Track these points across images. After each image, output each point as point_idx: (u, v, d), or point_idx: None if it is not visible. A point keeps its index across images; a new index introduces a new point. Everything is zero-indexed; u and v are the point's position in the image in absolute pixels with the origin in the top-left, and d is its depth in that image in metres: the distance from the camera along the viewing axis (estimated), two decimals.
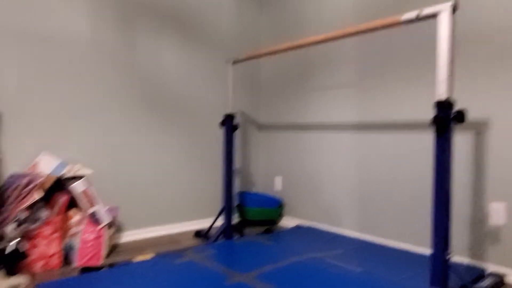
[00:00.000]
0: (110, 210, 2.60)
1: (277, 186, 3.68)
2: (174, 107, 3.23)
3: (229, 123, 2.94)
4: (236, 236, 2.97)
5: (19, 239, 2.11)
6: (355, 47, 2.99)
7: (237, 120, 3.63)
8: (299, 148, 3.46)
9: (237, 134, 3.67)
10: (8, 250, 2.04)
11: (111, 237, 2.58)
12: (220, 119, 3.50)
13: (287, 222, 3.53)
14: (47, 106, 2.58)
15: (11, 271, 2.08)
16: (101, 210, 2.48)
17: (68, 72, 2.66)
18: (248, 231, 3.21)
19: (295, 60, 3.50)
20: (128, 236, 2.93)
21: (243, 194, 3.55)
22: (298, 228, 3.17)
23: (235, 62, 3.00)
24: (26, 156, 2.47)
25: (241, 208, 3.50)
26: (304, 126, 3.40)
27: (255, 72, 3.84)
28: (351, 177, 3.02)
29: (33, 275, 2.18)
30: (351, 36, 2.17)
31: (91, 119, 2.78)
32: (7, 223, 2.11)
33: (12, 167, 2.42)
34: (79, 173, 2.49)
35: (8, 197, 2.21)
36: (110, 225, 2.54)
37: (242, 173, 3.74)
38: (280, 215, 3.58)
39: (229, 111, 3.01)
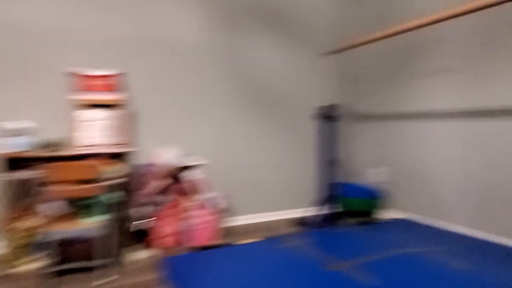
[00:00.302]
0: (222, 196, 2.90)
1: (377, 177, 3.58)
2: (273, 100, 3.39)
3: (325, 115, 2.98)
4: (335, 226, 3.02)
5: (149, 218, 2.53)
6: (459, 28, 2.70)
7: (333, 111, 3.63)
8: (400, 138, 3.30)
9: (336, 125, 3.67)
10: (141, 228, 2.47)
11: (223, 221, 2.88)
12: (317, 111, 3.55)
13: (388, 214, 3.43)
14: (170, 105, 2.99)
15: (143, 246, 2.51)
16: (215, 196, 2.79)
17: (185, 74, 3.03)
18: (348, 221, 3.23)
19: (390, 47, 3.31)
20: (238, 221, 3.23)
21: (343, 185, 3.56)
22: (399, 220, 3.06)
23: (329, 53, 2.99)
24: (155, 148, 2.92)
25: (340, 199, 3.53)
26: (405, 115, 3.23)
27: (350, 62, 3.75)
28: (462, 169, 2.77)
29: (161, 250, 2.60)
30: (461, 15, 2.00)
31: (205, 115, 3.11)
32: (140, 205, 2.54)
33: (145, 157, 2.89)
34: (197, 162, 2.84)
35: (140, 183, 2.65)
36: (222, 210, 2.84)
37: (341, 163, 3.74)
38: (380, 207, 3.49)
39: (325, 102, 3.03)
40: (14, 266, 2.22)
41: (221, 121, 3.17)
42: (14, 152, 2.14)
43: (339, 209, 3.59)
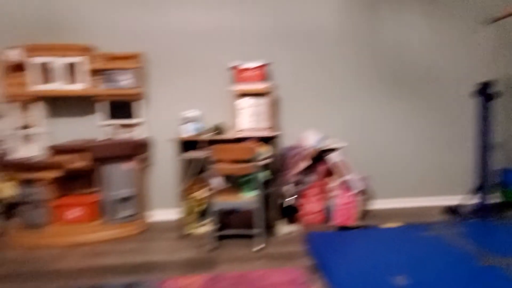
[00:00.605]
0: (362, 179, 2.94)
1: None
2: (419, 80, 3.18)
3: (484, 92, 2.66)
4: (491, 217, 2.72)
5: (294, 196, 2.75)
6: None
7: (495, 88, 3.18)
8: None
9: (496, 104, 3.22)
10: (287, 204, 2.71)
11: (362, 203, 2.92)
12: (473, 88, 3.18)
13: None
14: (310, 90, 3.13)
15: (289, 220, 2.76)
16: (354, 179, 2.85)
17: (324, 60, 3.11)
18: (507, 213, 2.86)
19: None
20: (377, 204, 3.22)
21: (506, 172, 3.14)
22: None
23: (489, 22, 2.62)
24: (297, 132, 3.12)
25: (500, 187, 3.12)
26: None
27: None
28: None
29: (305, 225, 2.81)
30: None
31: (344, 98, 3.16)
32: (286, 184, 2.78)
33: (288, 140, 3.13)
34: (336, 145, 2.93)
35: (286, 164, 2.89)
36: (361, 192, 2.89)
37: (504, 148, 3.29)
38: None
39: (483, 78, 2.69)
40: (189, 229, 2.73)
41: (361, 103, 3.16)
42: (188, 136, 2.60)
43: (498, 199, 3.20)
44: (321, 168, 2.89)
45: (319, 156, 2.91)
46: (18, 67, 2.76)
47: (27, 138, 2.85)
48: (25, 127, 2.84)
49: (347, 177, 2.83)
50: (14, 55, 2.70)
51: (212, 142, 2.49)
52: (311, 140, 2.96)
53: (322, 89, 3.13)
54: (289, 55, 3.08)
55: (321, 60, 3.11)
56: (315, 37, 3.08)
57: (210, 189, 2.43)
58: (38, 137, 2.83)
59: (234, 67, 2.76)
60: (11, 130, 2.81)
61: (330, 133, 3.08)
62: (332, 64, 3.11)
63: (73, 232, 2.60)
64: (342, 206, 2.82)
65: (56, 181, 2.65)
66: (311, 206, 2.85)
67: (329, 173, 2.92)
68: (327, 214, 2.92)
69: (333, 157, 2.83)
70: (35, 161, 2.59)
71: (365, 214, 3.04)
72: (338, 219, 2.82)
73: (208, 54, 3.02)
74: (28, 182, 2.59)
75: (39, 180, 2.58)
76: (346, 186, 2.83)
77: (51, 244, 2.55)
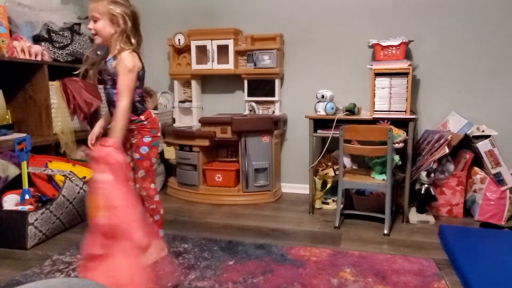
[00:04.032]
0: None
1: None
2: None
3: None
4: None
5: (429, 184, 2.59)
6: None
7: None
8: None
9: None
10: (421, 192, 2.57)
11: None
12: None
13: None
14: (455, 70, 2.83)
15: (421, 209, 2.62)
16: (506, 172, 2.51)
17: (474, 36, 2.75)
18: None
19: None
20: None
21: None
22: None
23: None
24: (437, 115, 2.88)
25: None
26: None
27: None
28: None
29: (439, 217, 2.64)
30: None
31: (496, 80, 2.75)
32: (421, 170, 2.63)
33: (426, 125, 2.91)
34: (485, 133, 2.61)
35: (423, 149, 2.72)
36: None
37: None
38: None
39: None
40: (318, 204, 2.87)
41: None
42: (321, 115, 2.68)
43: None
44: (464, 157, 2.63)
45: (463, 144, 2.65)
46: (181, 50, 3.26)
47: (186, 111, 3.37)
48: (185, 101, 3.36)
49: (497, 170, 2.51)
50: (179, 40, 3.19)
51: (344, 122, 2.51)
52: (454, 125, 2.71)
53: (469, 70, 2.79)
54: (433, 32, 2.82)
55: (471, 36, 2.75)
56: (465, 10, 2.73)
57: (339, 168, 2.48)
58: (194, 110, 3.32)
59: (373, 45, 2.68)
60: (175, 103, 3.37)
61: (478, 119, 2.73)
62: (483, 42, 2.72)
63: (218, 194, 3.02)
64: (488, 201, 2.53)
65: (206, 148, 3.09)
66: (449, 197, 2.64)
67: (473, 163, 2.63)
68: (468, 208, 2.67)
69: (480, 146, 2.54)
70: (191, 131, 3.07)
71: None
72: (482, 215, 2.55)
73: (345, 33, 3.00)
74: (185, 148, 3.09)
75: (193, 146, 3.04)
76: (494, 180, 2.52)
77: (201, 201, 3.02)
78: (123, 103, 1.69)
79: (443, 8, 2.79)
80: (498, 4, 2.68)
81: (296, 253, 2.06)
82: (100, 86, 2.70)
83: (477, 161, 2.62)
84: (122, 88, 1.70)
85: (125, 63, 1.70)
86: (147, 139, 1.88)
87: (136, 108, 1.84)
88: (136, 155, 1.88)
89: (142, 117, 1.86)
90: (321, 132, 2.69)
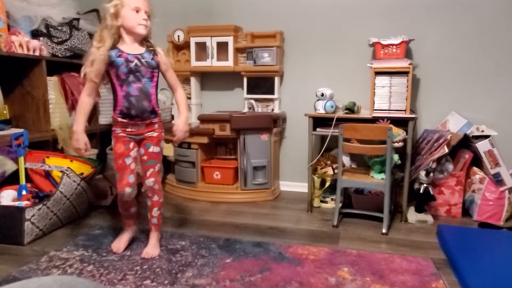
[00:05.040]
0: None
1: None
2: None
3: None
4: None
5: (428, 184, 2.58)
6: None
7: None
8: None
9: None
10: (420, 192, 2.56)
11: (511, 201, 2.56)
12: None
13: None
14: (455, 69, 2.82)
15: (420, 209, 2.61)
16: (505, 173, 2.50)
17: (475, 35, 2.74)
18: None
19: None
20: None
21: None
22: None
23: None
24: (437, 115, 2.87)
25: None
26: None
27: None
28: None
29: (437, 217, 2.63)
30: None
31: (496, 80, 2.74)
32: (420, 169, 2.62)
33: (425, 124, 2.90)
34: (484, 133, 2.60)
35: (422, 148, 2.71)
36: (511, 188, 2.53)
37: None
38: None
39: None
40: (316, 202, 2.86)
41: None
42: (320, 113, 2.67)
43: None
44: (463, 157, 2.62)
45: (463, 144, 2.64)
46: (180, 46, 3.24)
47: None
48: None
49: (496, 170, 2.50)
50: (179, 36, 3.17)
51: (344, 120, 2.50)
52: (454, 125, 2.70)
53: (469, 70, 2.78)
54: (434, 31, 2.81)
55: (474, 35, 2.73)
56: (467, 9, 2.71)
57: (339, 167, 2.48)
58: (193, 107, 3.30)
59: (373, 44, 2.67)
60: (173, 100, 3.35)
61: (478, 119, 2.72)
62: (485, 41, 2.71)
63: (216, 191, 3.00)
64: (487, 201, 2.52)
65: (205, 146, 3.07)
66: (447, 197, 2.64)
67: (472, 163, 2.63)
68: (467, 208, 2.66)
69: (480, 146, 2.53)
70: (190, 128, 3.05)
71: None
72: (481, 216, 2.54)
73: (345, 31, 2.99)
74: (183, 145, 3.08)
75: (192, 143, 3.03)
76: (493, 180, 2.51)
77: (199, 199, 3.01)
78: (183, 91, 2.01)
79: (444, 7, 2.77)
80: (499, 4, 2.67)
81: (294, 251, 2.05)
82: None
83: (476, 161, 2.61)
84: (176, 79, 1.99)
85: (167, 57, 1.94)
86: (163, 133, 1.98)
87: (157, 102, 1.92)
88: (157, 149, 1.94)
89: (160, 111, 1.96)
90: (320, 131, 2.68)
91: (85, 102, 1.85)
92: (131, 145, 1.90)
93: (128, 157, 1.89)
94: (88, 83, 1.82)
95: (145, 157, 1.94)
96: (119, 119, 1.86)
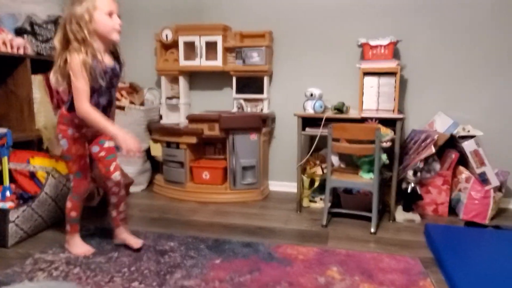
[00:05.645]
0: (500, 173, 2.60)
1: None
2: None
3: None
4: None
5: (416, 183, 2.61)
6: None
7: None
8: None
9: None
10: (408, 191, 2.59)
11: (498, 201, 2.60)
12: None
13: None
14: (442, 70, 2.85)
15: (408, 208, 2.64)
16: (490, 172, 2.54)
17: (462, 37, 2.78)
18: None
19: None
20: None
21: None
22: None
23: None
24: (424, 115, 2.90)
25: None
26: None
27: None
28: None
29: (425, 216, 2.66)
30: None
31: (482, 81, 2.79)
32: (408, 169, 2.65)
33: (413, 124, 2.94)
34: (470, 133, 2.64)
35: (410, 148, 2.74)
36: (498, 188, 2.57)
37: None
38: None
39: None
40: (305, 202, 2.86)
41: (503, 89, 2.74)
42: (310, 113, 2.68)
43: None
44: (450, 157, 2.66)
45: (449, 144, 2.67)
46: (168, 46, 3.21)
47: (173, 107, 3.32)
48: (172, 97, 3.31)
49: (482, 170, 2.54)
50: (167, 35, 3.14)
51: (333, 120, 2.51)
52: (441, 125, 2.74)
53: (456, 71, 2.82)
54: (421, 32, 2.84)
55: (462, 37, 2.77)
56: (454, 11, 2.75)
57: (327, 167, 2.48)
58: (181, 107, 3.27)
59: (362, 45, 2.68)
60: (162, 100, 3.32)
61: (464, 119, 2.76)
62: (473, 43, 2.76)
63: (205, 191, 2.98)
64: (473, 200, 2.56)
65: (193, 145, 3.05)
66: (434, 196, 2.67)
67: (459, 163, 2.66)
68: (453, 207, 2.70)
69: (466, 146, 2.57)
70: (178, 128, 3.03)
71: (501, 213, 2.70)
72: (467, 214, 2.58)
73: (334, 31, 3.00)
74: (172, 145, 3.05)
75: (180, 143, 3.00)
76: (479, 179, 2.55)
77: (187, 199, 2.98)
78: None
79: (432, 9, 2.81)
80: (485, 5, 2.71)
81: (283, 251, 2.05)
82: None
83: (463, 160, 2.65)
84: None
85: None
86: None
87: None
88: (112, 143, 1.93)
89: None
90: (309, 130, 2.68)
91: (93, 110, 1.70)
92: (86, 144, 1.92)
93: (86, 157, 1.92)
94: (82, 93, 1.68)
95: (102, 153, 1.93)
96: (76, 121, 1.80)
